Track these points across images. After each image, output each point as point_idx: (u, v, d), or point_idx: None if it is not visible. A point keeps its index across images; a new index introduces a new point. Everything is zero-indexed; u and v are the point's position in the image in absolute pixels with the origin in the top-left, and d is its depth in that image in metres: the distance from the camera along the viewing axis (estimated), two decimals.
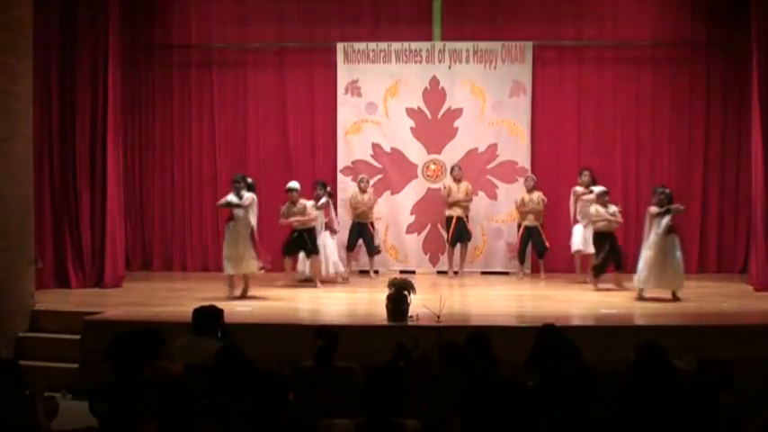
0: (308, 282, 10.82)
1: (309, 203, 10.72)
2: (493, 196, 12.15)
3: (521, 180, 11.90)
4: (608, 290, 10.26)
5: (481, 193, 12.06)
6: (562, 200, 11.76)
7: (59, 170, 10.50)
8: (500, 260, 12.18)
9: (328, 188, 11.17)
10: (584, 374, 3.89)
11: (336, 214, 11.52)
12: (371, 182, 12.02)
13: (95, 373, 6.02)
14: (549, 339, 5.48)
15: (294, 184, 10.80)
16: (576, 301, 9.78)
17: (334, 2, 12.36)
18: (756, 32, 10.42)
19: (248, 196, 9.66)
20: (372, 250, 11.64)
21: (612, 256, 10.32)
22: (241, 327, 7.45)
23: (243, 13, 12.38)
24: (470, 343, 5.40)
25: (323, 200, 10.98)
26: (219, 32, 12.37)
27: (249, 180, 9.85)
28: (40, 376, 7.17)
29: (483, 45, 12.08)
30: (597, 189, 10.62)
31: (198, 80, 12.48)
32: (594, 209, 10.38)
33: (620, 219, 10.40)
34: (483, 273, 12.09)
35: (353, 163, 12.22)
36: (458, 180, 11.65)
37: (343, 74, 12.20)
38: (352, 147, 12.25)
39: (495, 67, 12.07)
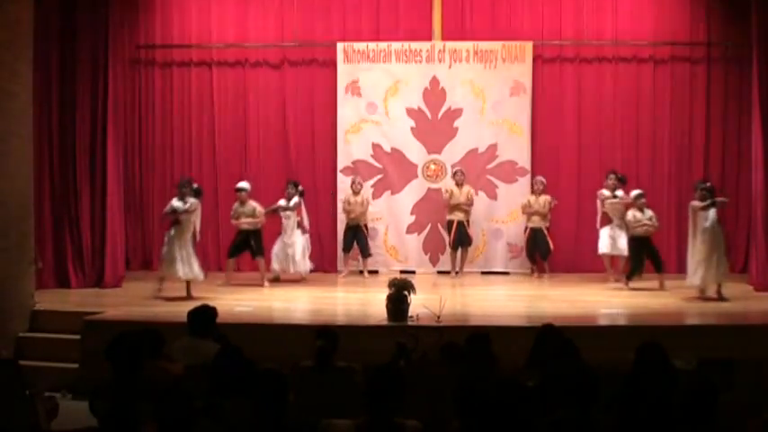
0: (277, 281, 10.96)
1: (258, 205, 10.73)
2: (493, 196, 12.13)
3: (521, 180, 11.91)
4: (646, 289, 10.23)
5: (481, 194, 12.04)
6: (561, 199, 11.79)
7: (59, 170, 10.49)
8: (500, 260, 12.16)
9: (300, 187, 11.18)
10: (584, 374, 3.89)
11: (336, 212, 11.62)
12: (371, 182, 12.03)
13: (95, 373, 6.02)
14: (548, 339, 5.48)
15: (244, 184, 10.85)
16: (576, 301, 9.77)
17: (334, 2, 12.36)
18: (756, 32, 10.42)
19: (193, 202, 9.73)
20: (366, 252, 11.64)
21: (651, 261, 10.36)
22: (241, 327, 7.48)
23: (243, 13, 12.38)
24: (470, 343, 5.40)
25: (295, 199, 11.03)
26: (219, 32, 12.37)
27: (195, 185, 9.95)
28: (40, 376, 7.15)
29: (483, 45, 12.07)
30: (633, 193, 10.57)
31: (198, 80, 12.48)
32: (632, 214, 10.38)
33: (657, 224, 10.44)
34: (483, 273, 12.07)
35: (353, 163, 12.20)
36: (459, 184, 11.61)
37: (344, 74, 12.19)
38: (352, 147, 12.23)
39: (495, 67, 12.06)
